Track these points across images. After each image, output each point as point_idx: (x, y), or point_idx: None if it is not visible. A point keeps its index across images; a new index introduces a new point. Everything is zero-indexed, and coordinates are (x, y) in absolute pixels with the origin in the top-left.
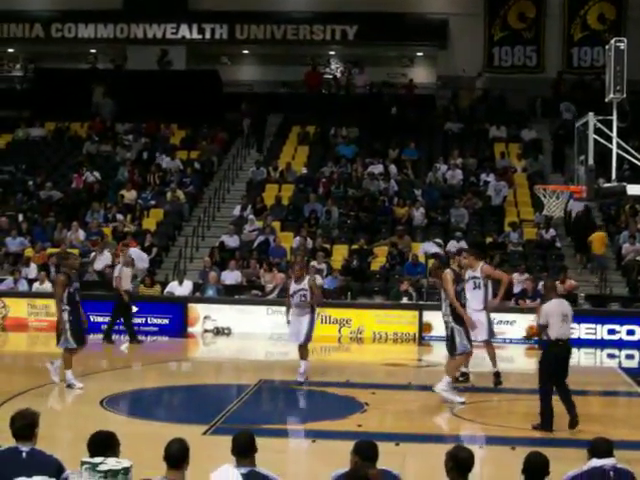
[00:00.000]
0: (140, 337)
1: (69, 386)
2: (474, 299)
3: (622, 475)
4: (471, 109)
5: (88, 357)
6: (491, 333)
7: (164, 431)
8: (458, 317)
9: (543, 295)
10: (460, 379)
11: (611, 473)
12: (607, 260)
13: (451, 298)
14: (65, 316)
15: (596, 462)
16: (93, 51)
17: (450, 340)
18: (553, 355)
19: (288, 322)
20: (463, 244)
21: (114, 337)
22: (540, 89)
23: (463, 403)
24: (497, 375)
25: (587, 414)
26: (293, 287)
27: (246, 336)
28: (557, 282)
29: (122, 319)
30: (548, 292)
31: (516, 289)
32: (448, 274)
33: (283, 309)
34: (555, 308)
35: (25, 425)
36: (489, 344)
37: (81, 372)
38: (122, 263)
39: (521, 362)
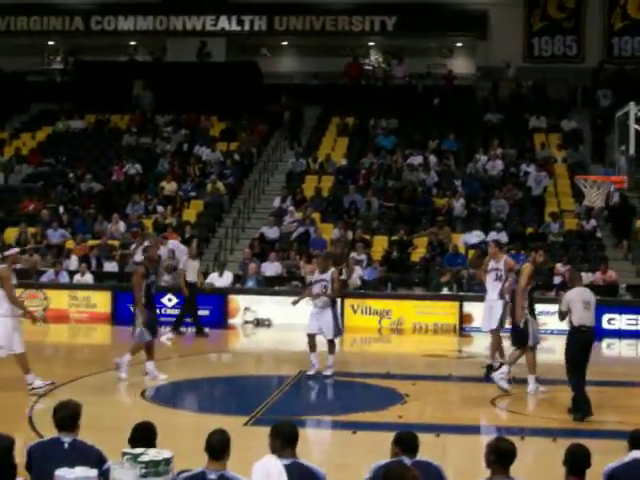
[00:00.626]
0: (205, 330)
1: (149, 376)
2: (494, 290)
3: None
4: (511, 99)
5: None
6: (501, 324)
7: (205, 422)
8: (533, 310)
9: (569, 284)
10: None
11: None
12: None
13: (520, 290)
14: (140, 307)
15: (637, 454)
16: (133, 43)
17: (522, 331)
18: (577, 341)
19: (294, 303)
20: (503, 235)
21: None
22: (580, 79)
23: (507, 391)
24: (490, 367)
25: (628, 405)
26: (316, 276)
27: (286, 327)
28: (598, 272)
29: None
30: (573, 281)
31: (557, 280)
32: (528, 267)
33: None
34: (577, 295)
35: (67, 416)
36: (496, 335)
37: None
38: (188, 255)
39: (562, 353)
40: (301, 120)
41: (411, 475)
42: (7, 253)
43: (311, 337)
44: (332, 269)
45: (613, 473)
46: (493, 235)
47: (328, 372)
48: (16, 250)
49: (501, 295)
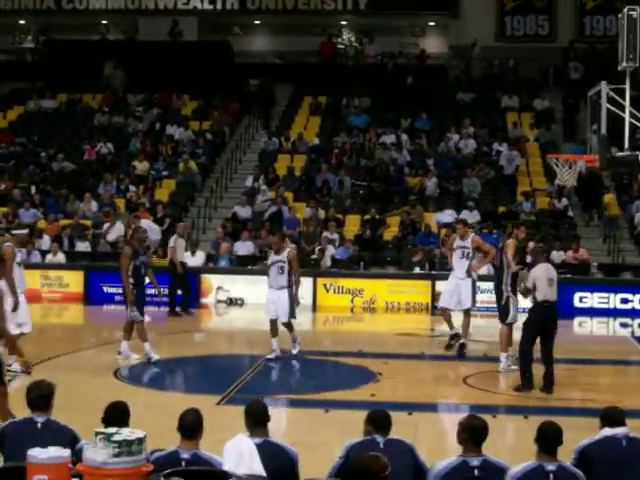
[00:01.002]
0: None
1: (122, 355)
2: (461, 268)
3: (635, 444)
4: (483, 79)
5: (102, 328)
6: (474, 302)
7: (178, 401)
8: (515, 289)
9: (532, 260)
10: (452, 342)
11: (624, 442)
12: (617, 221)
13: (513, 267)
14: (130, 288)
15: (609, 431)
16: (104, 22)
17: (504, 309)
18: (539, 316)
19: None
20: (476, 214)
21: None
22: (552, 58)
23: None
24: (462, 346)
25: (600, 383)
26: (272, 258)
27: (259, 307)
28: (570, 251)
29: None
30: (536, 257)
31: (528, 259)
32: (512, 242)
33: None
34: (542, 272)
35: (40, 396)
36: (468, 314)
37: (94, 343)
38: (177, 234)
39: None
40: (273, 101)
41: (379, 465)
42: (15, 232)
43: (273, 322)
44: (288, 249)
45: (584, 450)
46: (466, 214)
47: (294, 350)
48: (25, 231)
49: (469, 273)
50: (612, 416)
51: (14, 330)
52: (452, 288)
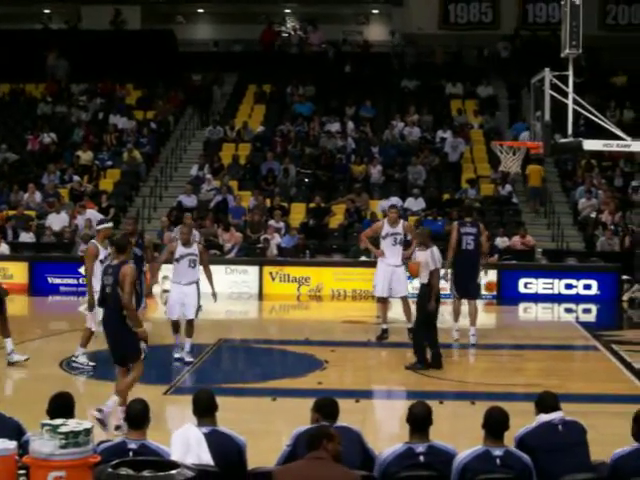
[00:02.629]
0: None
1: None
2: (394, 255)
3: (571, 427)
4: (426, 66)
5: (48, 318)
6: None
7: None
8: None
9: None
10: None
11: (559, 427)
12: (543, 192)
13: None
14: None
15: (544, 417)
16: (47, 11)
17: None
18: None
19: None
20: (421, 201)
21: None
22: (496, 46)
23: None
24: (385, 331)
25: (545, 368)
26: (180, 251)
27: (205, 295)
28: (517, 237)
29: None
30: (425, 239)
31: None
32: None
33: (241, 268)
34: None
35: None
36: (406, 300)
37: (40, 334)
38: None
39: (479, 318)
40: (211, 97)
41: (327, 431)
42: (99, 227)
43: (175, 322)
44: (196, 242)
45: (523, 438)
46: (410, 201)
47: (189, 358)
48: (109, 225)
49: (403, 260)
50: (546, 401)
51: (94, 327)
52: (386, 276)
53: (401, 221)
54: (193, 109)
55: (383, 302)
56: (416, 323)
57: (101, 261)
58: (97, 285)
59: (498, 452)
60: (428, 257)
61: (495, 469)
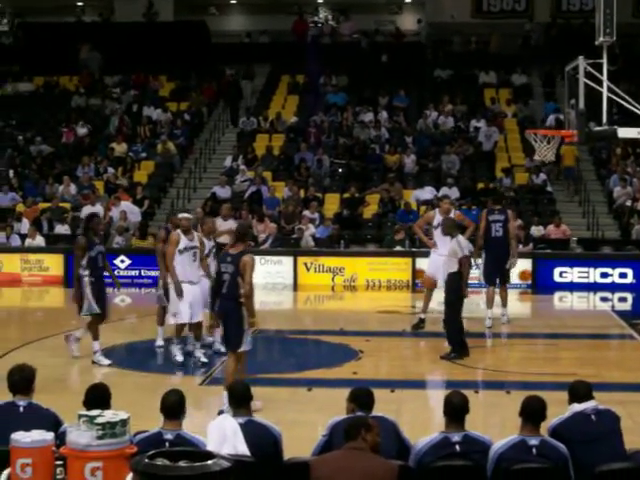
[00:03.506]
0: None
1: (95, 362)
2: (445, 245)
3: (604, 416)
4: (460, 55)
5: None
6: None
7: (160, 382)
8: None
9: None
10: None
11: (592, 417)
12: (577, 172)
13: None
14: (85, 281)
15: (577, 407)
16: (80, 4)
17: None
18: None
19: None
20: (455, 191)
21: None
22: (529, 34)
23: None
24: (422, 321)
25: (580, 357)
26: (184, 242)
27: None
28: (551, 226)
29: None
30: (450, 229)
31: None
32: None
33: (276, 258)
34: (464, 243)
35: (22, 379)
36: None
37: (76, 325)
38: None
39: (514, 307)
40: (240, 93)
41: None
42: (180, 216)
43: (181, 326)
44: (196, 233)
45: (556, 429)
46: (445, 191)
47: (203, 357)
48: (189, 215)
49: None
50: (578, 391)
51: (170, 319)
52: (438, 266)
53: (453, 211)
54: (224, 103)
55: (429, 292)
56: (447, 313)
57: (179, 251)
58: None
59: (534, 441)
60: (455, 246)
61: (531, 458)
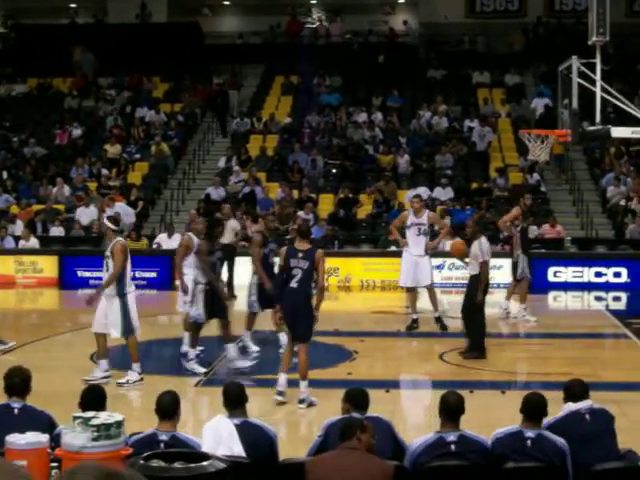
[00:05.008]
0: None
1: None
2: (417, 245)
3: (598, 416)
4: (453, 55)
5: (78, 311)
6: (432, 278)
7: (155, 384)
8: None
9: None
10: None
11: (587, 416)
12: (567, 160)
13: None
14: (200, 287)
15: (572, 406)
16: (73, 6)
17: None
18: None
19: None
20: (449, 191)
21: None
22: (522, 34)
23: None
24: (439, 319)
25: (576, 357)
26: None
27: (241, 287)
28: (546, 226)
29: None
30: (474, 231)
31: (502, 234)
32: (518, 209)
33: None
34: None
35: (17, 382)
36: (431, 289)
37: (71, 327)
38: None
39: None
40: (227, 105)
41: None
42: (198, 220)
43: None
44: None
45: (549, 428)
46: (439, 191)
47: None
48: (201, 220)
49: (426, 250)
50: (574, 389)
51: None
52: (410, 266)
53: (426, 211)
54: (212, 113)
55: (411, 292)
56: (469, 314)
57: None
58: (189, 274)
59: (530, 434)
60: (477, 248)
61: (526, 450)
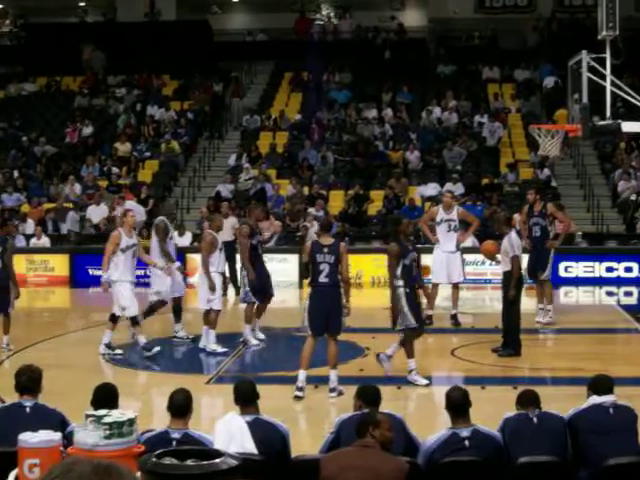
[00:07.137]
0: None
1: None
2: (448, 241)
3: (622, 411)
4: (463, 50)
5: (89, 309)
6: (464, 275)
7: (167, 382)
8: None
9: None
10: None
11: (611, 410)
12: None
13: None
14: (400, 292)
15: (596, 399)
16: (82, 4)
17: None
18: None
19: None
20: (459, 186)
21: None
22: (532, 29)
23: None
24: (454, 316)
25: (587, 352)
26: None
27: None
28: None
29: None
30: (501, 226)
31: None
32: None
33: (281, 256)
34: (516, 241)
35: (29, 380)
36: (457, 287)
37: (82, 325)
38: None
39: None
40: (220, 113)
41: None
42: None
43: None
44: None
45: (572, 419)
46: (449, 187)
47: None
48: (219, 216)
49: (457, 246)
50: (600, 384)
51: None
52: (442, 262)
53: (455, 206)
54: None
55: (435, 288)
56: (506, 310)
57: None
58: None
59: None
60: (506, 244)
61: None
